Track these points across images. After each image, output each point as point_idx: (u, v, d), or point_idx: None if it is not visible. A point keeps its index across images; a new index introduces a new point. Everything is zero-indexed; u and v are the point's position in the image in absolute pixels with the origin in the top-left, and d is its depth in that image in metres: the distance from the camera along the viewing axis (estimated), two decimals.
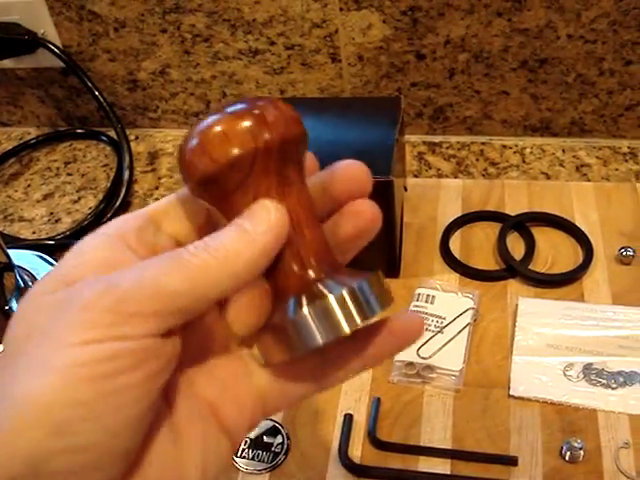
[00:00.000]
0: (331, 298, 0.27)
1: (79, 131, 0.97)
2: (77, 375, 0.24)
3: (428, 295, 0.65)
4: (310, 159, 0.33)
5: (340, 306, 0.27)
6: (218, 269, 0.27)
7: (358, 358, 0.32)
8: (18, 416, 0.24)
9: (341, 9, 0.78)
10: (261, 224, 0.28)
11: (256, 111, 0.28)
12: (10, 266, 0.67)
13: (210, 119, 0.29)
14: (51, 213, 0.86)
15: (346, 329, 0.27)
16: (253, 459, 0.56)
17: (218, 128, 0.28)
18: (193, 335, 0.30)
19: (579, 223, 0.71)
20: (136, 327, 0.25)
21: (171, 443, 0.29)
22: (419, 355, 0.61)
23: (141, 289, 0.26)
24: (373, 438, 0.56)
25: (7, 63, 0.91)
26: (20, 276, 0.70)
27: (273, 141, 0.28)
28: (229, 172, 0.28)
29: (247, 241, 0.28)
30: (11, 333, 0.27)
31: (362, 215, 0.32)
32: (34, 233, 0.83)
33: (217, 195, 0.29)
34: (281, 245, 0.29)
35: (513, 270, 0.67)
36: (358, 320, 0.28)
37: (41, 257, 0.76)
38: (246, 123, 0.28)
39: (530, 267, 0.67)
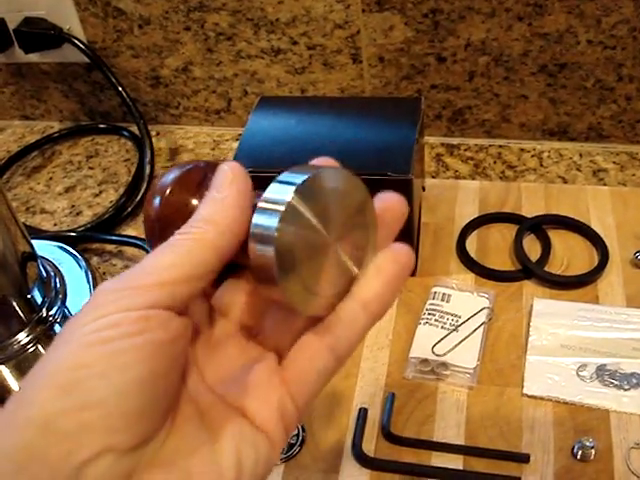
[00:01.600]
0: (270, 187, 0.30)
1: (101, 126, 0.99)
2: (83, 342, 0.27)
3: (444, 294, 0.66)
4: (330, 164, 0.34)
5: (279, 185, 0.30)
6: (204, 236, 0.30)
7: (364, 311, 0.33)
8: (33, 385, 0.27)
9: (363, 10, 0.79)
10: (223, 184, 0.32)
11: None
12: (33, 256, 0.69)
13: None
14: (72, 206, 0.87)
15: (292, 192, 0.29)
16: None
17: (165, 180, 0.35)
18: (215, 352, 0.33)
19: (595, 226, 0.71)
20: (137, 298, 0.28)
21: (201, 431, 0.30)
22: (434, 352, 0.61)
23: (141, 269, 0.29)
24: (387, 432, 0.57)
25: (33, 57, 0.92)
26: (42, 266, 0.71)
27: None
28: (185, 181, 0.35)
29: (218, 203, 0.31)
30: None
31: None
32: (55, 225, 0.84)
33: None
34: (250, 194, 0.32)
35: (529, 271, 0.68)
36: (299, 180, 0.30)
37: (63, 248, 0.77)
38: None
39: (546, 269, 0.68)
